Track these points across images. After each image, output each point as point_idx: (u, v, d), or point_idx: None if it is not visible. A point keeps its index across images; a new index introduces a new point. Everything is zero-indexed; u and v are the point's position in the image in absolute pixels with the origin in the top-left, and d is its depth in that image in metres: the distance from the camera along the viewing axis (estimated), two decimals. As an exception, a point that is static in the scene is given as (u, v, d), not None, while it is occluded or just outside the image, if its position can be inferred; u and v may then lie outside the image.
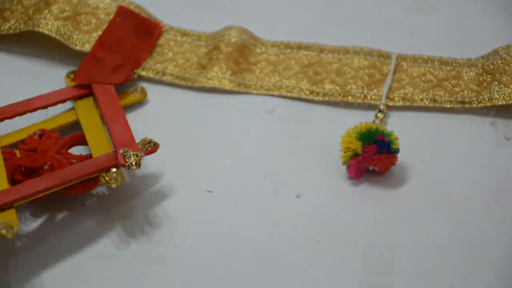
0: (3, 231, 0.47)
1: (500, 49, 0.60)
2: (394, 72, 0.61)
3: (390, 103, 0.59)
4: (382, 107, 0.59)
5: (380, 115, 0.58)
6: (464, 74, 0.61)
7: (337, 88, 0.61)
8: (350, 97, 0.60)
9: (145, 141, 0.53)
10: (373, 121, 0.58)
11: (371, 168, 0.54)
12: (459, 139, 0.57)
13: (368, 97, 0.60)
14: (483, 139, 0.57)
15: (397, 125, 0.57)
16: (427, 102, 0.59)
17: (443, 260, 0.50)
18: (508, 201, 0.53)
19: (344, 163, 0.54)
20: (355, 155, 0.53)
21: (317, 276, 0.49)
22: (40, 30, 0.61)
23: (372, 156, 0.53)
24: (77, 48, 0.62)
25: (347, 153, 0.54)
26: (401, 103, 0.60)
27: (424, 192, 0.54)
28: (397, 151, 0.53)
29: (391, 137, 0.53)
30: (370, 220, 0.52)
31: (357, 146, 0.53)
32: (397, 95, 0.60)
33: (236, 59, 0.62)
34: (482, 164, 0.55)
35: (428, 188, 0.54)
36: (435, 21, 0.67)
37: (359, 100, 0.60)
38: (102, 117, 0.57)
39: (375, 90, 0.60)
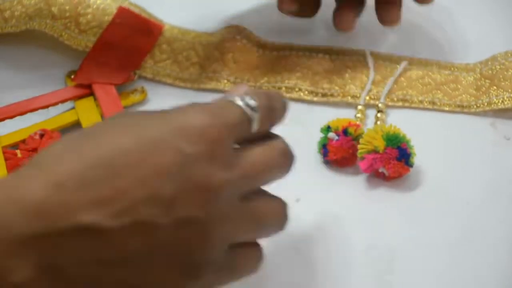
0: (5, 231, 0.47)
1: (498, 55, 0.61)
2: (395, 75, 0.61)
3: (390, 103, 0.60)
4: (381, 105, 0.59)
5: (380, 115, 0.58)
6: (462, 78, 0.61)
7: (336, 88, 0.61)
8: (349, 97, 0.60)
9: (146, 141, 0.52)
10: (375, 122, 0.58)
11: (380, 170, 0.54)
12: (458, 139, 0.57)
13: (367, 97, 0.60)
14: (483, 139, 0.57)
15: (396, 125, 0.57)
16: (426, 104, 0.59)
17: (442, 260, 0.50)
18: (508, 201, 0.53)
19: (360, 154, 0.54)
20: (374, 151, 0.53)
21: (317, 276, 0.49)
22: (41, 29, 0.61)
23: (390, 160, 0.53)
24: (78, 48, 0.62)
25: (366, 146, 0.53)
26: (400, 103, 0.60)
27: (424, 192, 0.54)
28: (411, 165, 0.53)
29: (413, 150, 0.53)
30: (370, 220, 0.52)
31: (380, 144, 0.53)
32: (396, 96, 0.60)
33: (236, 59, 0.62)
34: (482, 164, 0.55)
35: (428, 188, 0.54)
36: (434, 25, 0.67)
37: (358, 100, 0.60)
38: (102, 117, 0.58)
39: (374, 91, 0.60)
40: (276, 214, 0.44)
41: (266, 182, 0.44)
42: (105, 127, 0.40)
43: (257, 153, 0.43)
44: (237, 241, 0.42)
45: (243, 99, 0.42)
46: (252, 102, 0.42)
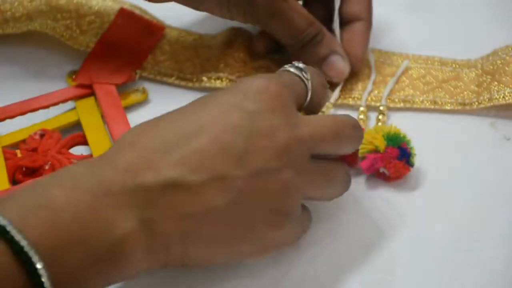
0: (5, 231, 0.47)
1: (499, 50, 0.61)
2: (394, 74, 0.61)
3: (391, 105, 0.60)
4: (382, 108, 0.59)
5: (381, 117, 0.58)
6: (464, 75, 0.61)
7: (337, 89, 0.61)
8: (350, 99, 0.60)
9: (146, 141, 0.53)
10: (376, 124, 0.58)
11: (381, 170, 0.54)
12: (459, 139, 0.57)
13: (369, 98, 0.60)
14: (483, 139, 0.57)
15: (397, 126, 0.57)
16: (427, 104, 0.59)
17: (442, 260, 0.50)
18: (508, 201, 0.53)
19: (361, 153, 0.54)
20: (375, 151, 0.53)
21: (317, 275, 0.49)
22: (42, 30, 0.62)
23: (391, 160, 0.53)
24: (79, 48, 0.62)
25: (368, 146, 0.53)
26: (401, 104, 0.60)
27: (424, 192, 0.54)
28: (412, 165, 0.53)
29: (413, 151, 0.53)
30: (370, 220, 0.52)
31: (381, 144, 0.53)
32: (397, 97, 0.60)
33: (237, 59, 0.62)
34: (482, 164, 0.55)
35: (428, 188, 0.54)
36: (435, 21, 0.67)
37: (359, 102, 0.60)
38: (103, 117, 0.58)
39: (376, 92, 0.60)
40: (343, 174, 0.48)
41: (335, 149, 0.47)
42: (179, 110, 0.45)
43: (323, 119, 0.46)
44: (308, 196, 0.46)
45: (297, 68, 0.47)
46: (304, 70, 0.47)
